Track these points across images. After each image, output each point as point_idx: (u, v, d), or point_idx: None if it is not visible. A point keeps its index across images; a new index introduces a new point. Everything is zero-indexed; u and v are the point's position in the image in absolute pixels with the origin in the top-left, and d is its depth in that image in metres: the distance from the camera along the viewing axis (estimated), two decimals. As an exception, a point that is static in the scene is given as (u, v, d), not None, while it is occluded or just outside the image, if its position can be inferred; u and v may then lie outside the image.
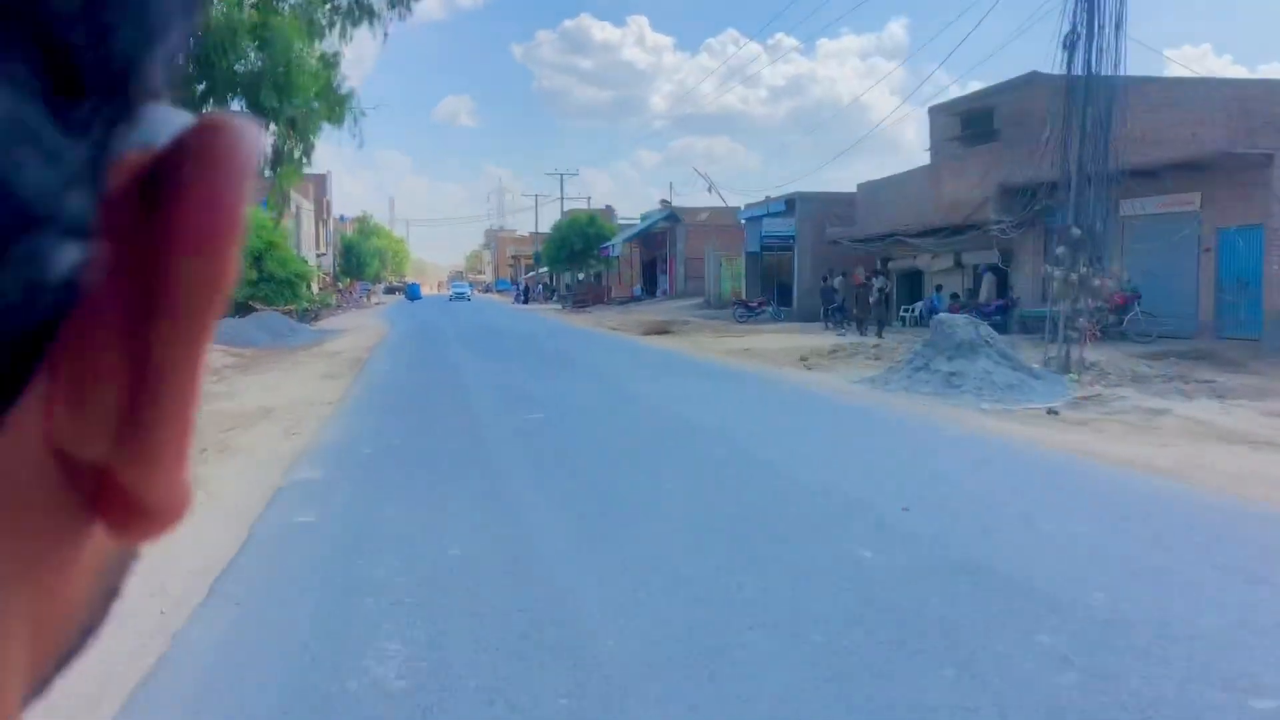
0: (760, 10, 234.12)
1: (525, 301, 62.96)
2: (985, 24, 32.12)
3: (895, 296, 25.86)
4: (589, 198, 63.45)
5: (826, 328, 25.20)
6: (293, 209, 62.35)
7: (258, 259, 52.30)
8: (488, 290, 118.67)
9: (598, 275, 61.66)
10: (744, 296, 34.03)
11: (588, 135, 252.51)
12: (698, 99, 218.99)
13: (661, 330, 25.27)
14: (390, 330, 30.56)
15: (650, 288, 46.29)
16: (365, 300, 67.05)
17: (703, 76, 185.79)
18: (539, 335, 27.20)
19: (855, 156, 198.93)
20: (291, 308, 50.92)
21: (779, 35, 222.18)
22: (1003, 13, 22.65)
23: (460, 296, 64.08)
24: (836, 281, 27.40)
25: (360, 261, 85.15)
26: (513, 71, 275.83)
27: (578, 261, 49.75)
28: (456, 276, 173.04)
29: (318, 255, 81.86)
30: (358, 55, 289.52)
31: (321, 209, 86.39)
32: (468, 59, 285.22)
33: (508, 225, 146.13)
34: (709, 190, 41.76)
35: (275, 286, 52.09)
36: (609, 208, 51.44)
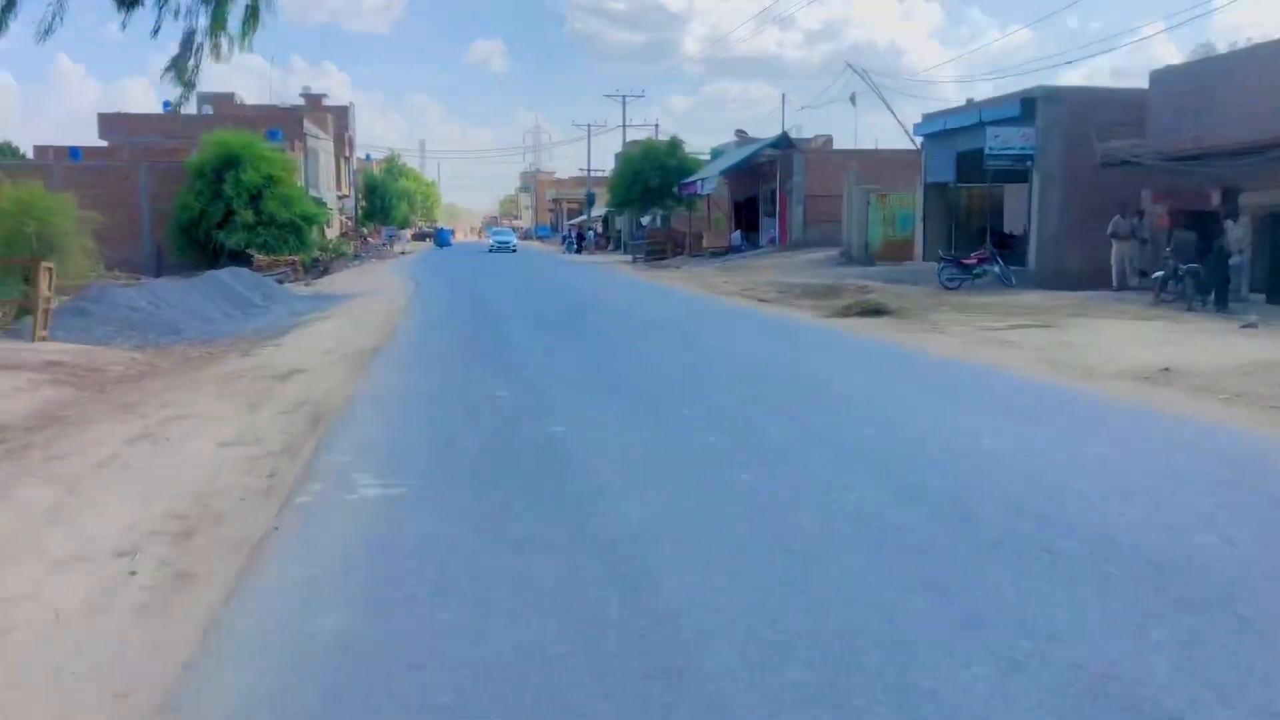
0: None
1: (578, 251, 52.76)
2: None
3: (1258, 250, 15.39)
4: (656, 124, 52.30)
5: (1159, 300, 14.96)
6: (301, 143, 52.30)
7: (254, 197, 42.45)
8: (527, 237, 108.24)
9: (664, 218, 51.32)
10: (923, 246, 23.63)
11: (620, 79, 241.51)
12: (732, 43, 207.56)
13: (869, 309, 15.04)
14: (413, 299, 20.78)
15: (750, 235, 35.97)
16: (389, 249, 57.11)
17: (737, 20, 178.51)
18: (655, 314, 17.22)
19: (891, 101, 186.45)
20: (295, 259, 41.07)
21: None
22: None
23: (503, 246, 52.21)
24: (1132, 224, 17.04)
25: (385, 204, 75.03)
26: (544, 14, 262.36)
27: (654, 201, 39.34)
28: (491, 221, 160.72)
29: (338, 197, 71.73)
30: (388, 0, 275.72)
31: (343, 145, 76.04)
32: (497, 1, 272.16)
33: (545, 167, 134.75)
34: (852, 101, 30.85)
35: (276, 232, 42.27)
36: (675, 139, 40.85)
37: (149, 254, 42.59)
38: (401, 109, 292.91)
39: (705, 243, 34.54)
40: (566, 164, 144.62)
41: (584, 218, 65.54)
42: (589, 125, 62.13)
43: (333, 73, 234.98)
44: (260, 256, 38.47)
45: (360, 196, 70.17)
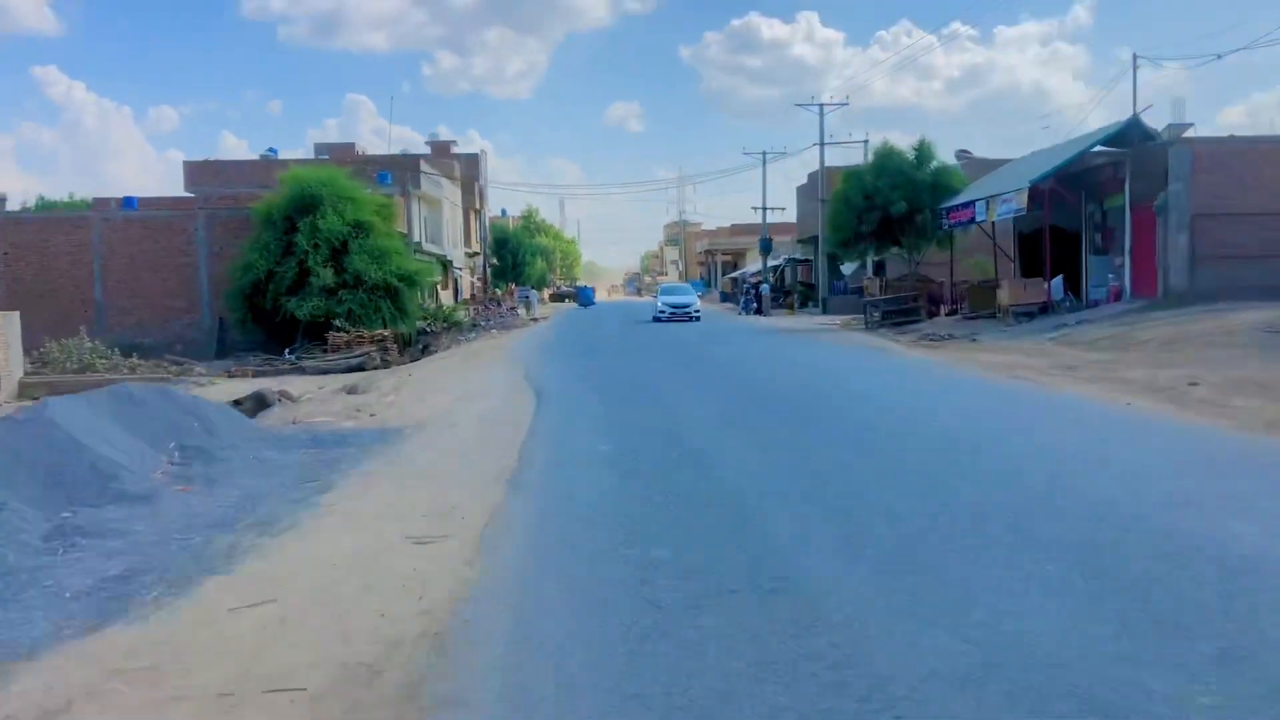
0: (934, 1, 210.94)
1: (758, 311, 40.23)
2: None
3: None
4: (865, 138, 38.49)
5: None
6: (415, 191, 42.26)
7: (337, 251, 32.00)
8: None
9: (879, 267, 38.51)
10: None
11: (757, 135, 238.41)
12: (869, 93, 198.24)
13: None
14: (529, 444, 8.53)
15: (1071, 283, 22.41)
16: (523, 313, 46.12)
17: (874, 70, 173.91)
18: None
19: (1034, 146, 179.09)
20: (385, 333, 30.10)
21: (954, 24, 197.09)
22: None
23: (680, 311, 34.87)
24: None
25: (517, 260, 64.88)
26: (680, 74, 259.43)
27: (891, 236, 26.01)
28: (633, 278, 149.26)
29: (467, 254, 62.10)
30: (530, 65, 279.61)
31: (473, 196, 66.66)
32: (635, 64, 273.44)
33: (689, 220, 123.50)
34: None
35: (365, 297, 31.50)
36: (925, 141, 27.35)
37: (209, 328, 32.77)
38: (540, 173, 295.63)
39: (1007, 297, 21.39)
40: (710, 218, 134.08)
41: (757, 269, 52.96)
42: (764, 152, 49.63)
43: (476, 140, 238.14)
44: (337, 334, 27.74)
45: (489, 253, 60.26)
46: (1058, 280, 22.11)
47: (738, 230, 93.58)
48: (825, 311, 38.98)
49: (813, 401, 11.31)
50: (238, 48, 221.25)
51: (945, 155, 28.18)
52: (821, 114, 39.24)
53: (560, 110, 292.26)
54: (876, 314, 26.68)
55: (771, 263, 50.36)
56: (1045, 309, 21.73)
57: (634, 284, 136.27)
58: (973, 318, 24.21)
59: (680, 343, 22.14)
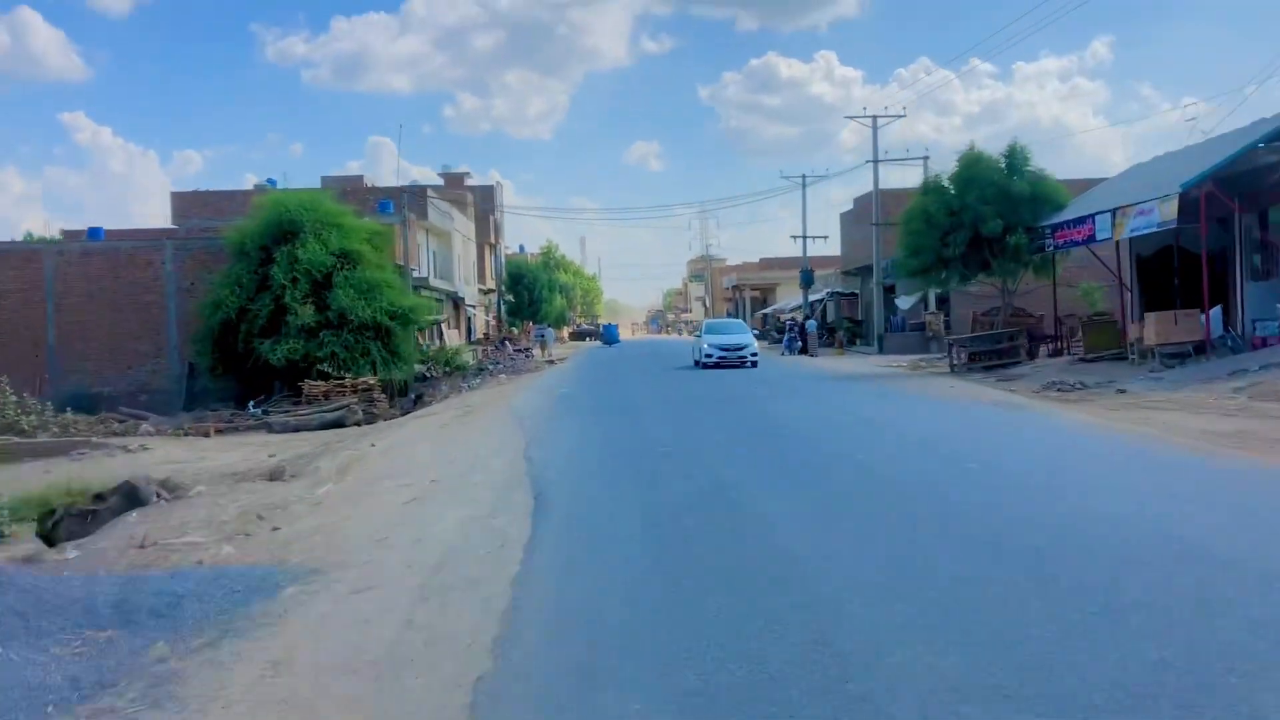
0: (953, 38, 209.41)
1: (803, 350, 35.57)
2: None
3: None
4: (925, 155, 33.30)
5: None
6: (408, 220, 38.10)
7: (319, 284, 27.56)
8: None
9: (942, 301, 34.28)
10: None
11: (775, 173, 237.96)
12: (889, 131, 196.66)
13: None
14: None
15: (1227, 315, 17.55)
16: (539, 353, 41.59)
17: (895, 107, 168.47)
18: None
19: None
20: (371, 381, 25.56)
21: (973, 61, 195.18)
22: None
23: (733, 354, 26.28)
24: None
25: (534, 297, 60.63)
26: (699, 113, 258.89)
27: (978, 260, 21.03)
28: (656, 315, 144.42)
29: (481, 291, 57.65)
30: (550, 105, 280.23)
31: (487, 230, 62.40)
32: (654, 103, 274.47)
33: (713, 255, 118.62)
34: None
35: (351, 338, 26.97)
36: (1017, 145, 22.46)
37: (178, 375, 28.42)
38: (560, 211, 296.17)
39: (1153, 336, 16.50)
40: (735, 252, 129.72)
41: (795, 304, 48.18)
42: (803, 176, 44.72)
43: (497, 179, 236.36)
44: (315, 383, 23.28)
45: (505, 290, 56.10)
46: (1216, 312, 17.29)
47: (768, 264, 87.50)
48: (881, 351, 34.18)
49: (1012, 528, 6.51)
50: (261, 90, 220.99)
51: (1044, 162, 23.41)
52: (875, 127, 34.66)
53: (581, 149, 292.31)
54: (963, 355, 21.94)
55: (811, 296, 45.65)
56: (1201, 349, 16.92)
57: (657, 321, 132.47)
58: (1091, 359, 19.44)
59: (735, 396, 17.38)
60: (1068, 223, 20.42)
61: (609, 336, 64.82)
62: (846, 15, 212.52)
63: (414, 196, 40.14)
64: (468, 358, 31.92)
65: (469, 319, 55.77)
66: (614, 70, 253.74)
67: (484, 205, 63.92)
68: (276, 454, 13.77)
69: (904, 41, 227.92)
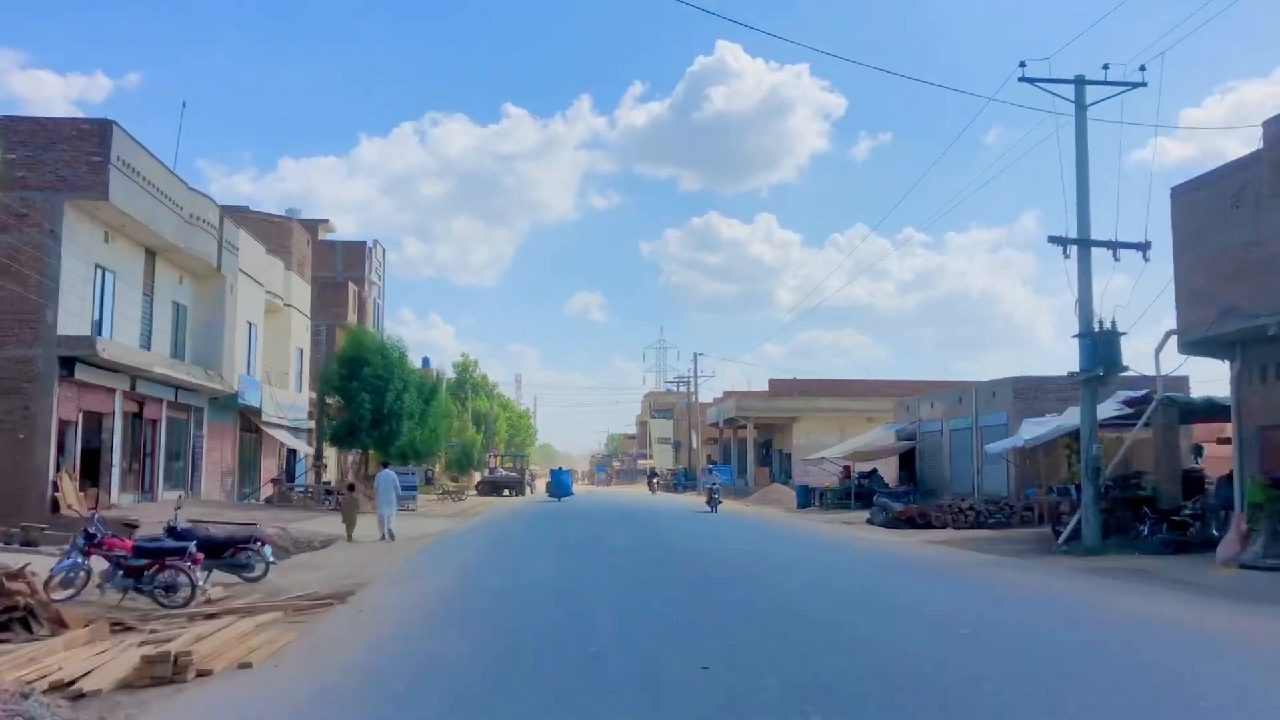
0: (888, 207, 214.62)
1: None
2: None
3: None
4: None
5: None
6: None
7: None
8: (681, 487, 65.75)
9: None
10: None
11: (715, 329, 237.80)
12: (824, 292, 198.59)
13: None
14: None
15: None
16: (353, 530, 23.59)
17: (829, 270, 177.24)
18: None
19: (984, 349, 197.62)
20: None
21: (907, 230, 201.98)
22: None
23: None
24: None
25: (397, 408, 40.14)
26: (643, 267, 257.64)
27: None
28: (602, 462, 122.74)
29: (324, 402, 37.99)
30: (495, 254, 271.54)
31: (345, 304, 43.44)
32: (598, 256, 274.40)
33: (662, 400, 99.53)
34: None
35: None
36: None
37: None
38: (500, 355, 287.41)
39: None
40: (709, 387, 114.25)
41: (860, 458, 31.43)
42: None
43: (439, 324, 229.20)
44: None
45: (330, 388, 37.20)
46: None
47: (780, 388, 62.12)
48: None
49: None
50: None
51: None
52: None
53: (523, 298, 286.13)
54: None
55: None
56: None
57: (604, 469, 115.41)
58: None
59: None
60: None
61: (559, 487, 49.67)
62: (787, 179, 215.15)
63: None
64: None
65: (287, 450, 36.06)
66: (559, 222, 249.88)
67: (350, 271, 46.03)
68: None
69: (842, 207, 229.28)
